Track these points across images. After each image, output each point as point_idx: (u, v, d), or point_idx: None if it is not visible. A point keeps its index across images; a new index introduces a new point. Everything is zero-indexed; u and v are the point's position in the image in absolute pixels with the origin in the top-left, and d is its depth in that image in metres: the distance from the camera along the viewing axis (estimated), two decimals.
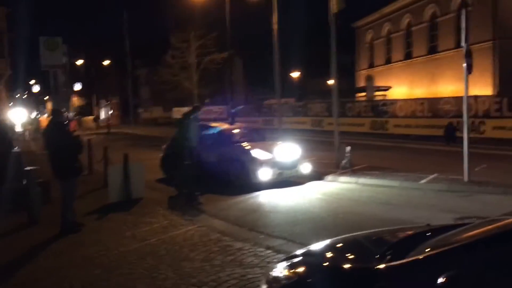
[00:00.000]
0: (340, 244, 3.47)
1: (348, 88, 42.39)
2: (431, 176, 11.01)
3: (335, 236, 6.56)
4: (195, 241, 6.36)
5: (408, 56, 35.81)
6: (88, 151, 13.05)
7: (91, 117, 47.52)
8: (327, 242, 3.45)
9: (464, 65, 10.37)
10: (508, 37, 25.78)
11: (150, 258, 5.75)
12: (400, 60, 36.58)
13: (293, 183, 10.98)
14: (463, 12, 10.45)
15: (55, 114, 7.48)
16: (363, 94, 32.03)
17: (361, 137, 23.89)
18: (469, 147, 10.61)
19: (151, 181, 11.63)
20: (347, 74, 47.12)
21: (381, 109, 25.28)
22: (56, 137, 6.94)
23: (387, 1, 37.81)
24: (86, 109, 68.31)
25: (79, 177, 7.50)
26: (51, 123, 7.28)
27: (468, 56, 10.32)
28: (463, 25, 10.50)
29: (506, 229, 2.57)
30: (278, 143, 11.71)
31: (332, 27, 13.45)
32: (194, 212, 8.26)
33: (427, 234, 3.05)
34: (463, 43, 10.40)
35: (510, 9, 25.71)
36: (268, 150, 10.87)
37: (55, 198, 8.46)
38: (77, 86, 59.36)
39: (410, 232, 3.44)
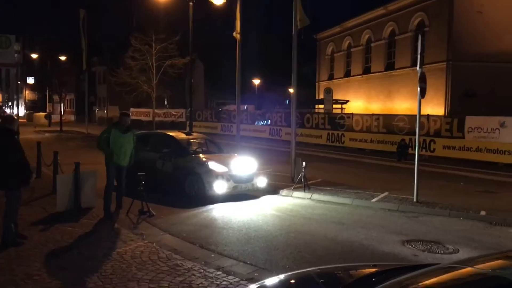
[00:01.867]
0: (293, 281, 3.48)
1: (308, 98, 43.13)
2: (382, 195, 11.31)
3: (286, 257, 6.62)
4: (144, 259, 6.21)
5: (366, 71, 36.72)
6: (37, 154, 12.54)
7: (42, 114, 45.88)
8: (281, 277, 3.46)
9: (418, 89, 10.73)
10: (461, 59, 26.91)
11: (95, 277, 5.56)
12: (359, 74, 37.46)
13: (248, 197, 10.99)
14: (420, 38, 10.80)
15: (6, 120, 7.04)
16: (322, 106, 32.55)
17: (318, 148, 24.28)
18: (419, 165, 11.00)
19: (103, 189, 11.28)
20: (308, 84, 47.93)
21: (338, 122, 25.76)
22: (3, 146, 6.56)
23: (349, 15, 38.77)
24: (38, 104, 66.01)
25: (27, 186, 7.18)
26: None
27: (422, 81, 10.69)
28: (419, 50, 10.88)
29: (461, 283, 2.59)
30: (234, 155, 11.69)
31: (294, 42, 13.63)
32: (145, 226, 8.08)
33: (378, 276, 3.08)
34: (418, 68, 10.76)
35: (464, 32, 26.85)
36: (225, 162, 10.82)
37: None
38: (30, 80, 57.21)
39: (361, 272, 3.48)
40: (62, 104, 39.77)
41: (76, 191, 8.92)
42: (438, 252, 7.10)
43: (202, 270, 5.86)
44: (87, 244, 6.83)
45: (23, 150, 6.78)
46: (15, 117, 7.32)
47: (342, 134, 25.09)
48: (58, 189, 8.94)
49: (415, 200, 10.56)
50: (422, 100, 11.05)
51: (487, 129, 18.50)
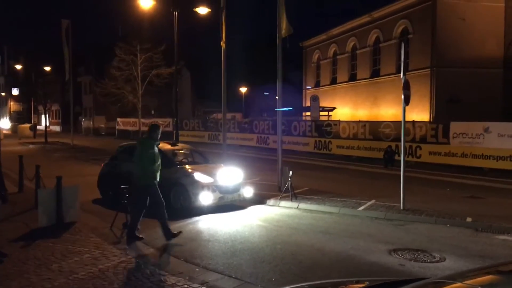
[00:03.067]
0: None
1: (295, 105, 43.21)
2: (369, 203, 11.29)
3: (272, 270, 6.53)
4: (127, 275, 6.08)
5: (352, 78, 36.95)
6: (19, 168, 12.32)
7: (27, 125, 45.25)
8: None
9: (402, 96, 10.76)
10: (445, 65, 27.21)
11: None
12: (345, 81, 37.68)
13: (235, 208, 10.89)
14: (402, 46, 10.87)
15: None
16: (309, 113, 32.62)
17: (306, 156, 24.28)
18: (406, 171, 11.01)
19: (87, 202, 11.16)
20: (295, 91, 48.08)
21: (325, 130, 25.80)
22: None
23: (334, 23, 39.10)
24: (24, 115, 65.26)
25: (5, 203, 7.01)
26: None
27: (406, 88, 10.72)
28: (402, 57, 10.94)
29: None
30: (220, 165, 11.60)
31: (279, 50, 13.63)
32: (129, 240, 7.93)
33: None
34: (401, 76, 10.80)
35: (447, 39, 27.18)
36: (210, 173, 10.72)
37: None
38: (15, 91, 56.63)
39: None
40: (47, 115, 39.31)
41: (58, 206, 8.75)
42: (424, 261, 7.07)
43: (186, 286, 5.75)
44: (68, 261, 6.67)
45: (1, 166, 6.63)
46: None
47: (329, 142, 25.12)
48: (40, 203, 8.76)
49: (401, 207, 10.55)
50: (408, 106, 11.10)
51: (471, 135, 18.66)
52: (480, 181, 15.64)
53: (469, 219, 9.64)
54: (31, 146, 32.35)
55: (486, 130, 18.22)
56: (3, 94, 73.88)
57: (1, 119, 72.34)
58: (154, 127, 8.29)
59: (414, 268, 6.74)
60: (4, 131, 42.09)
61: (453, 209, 10.63)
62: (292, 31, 13.33)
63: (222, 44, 16.30)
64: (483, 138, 18.27)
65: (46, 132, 36.27)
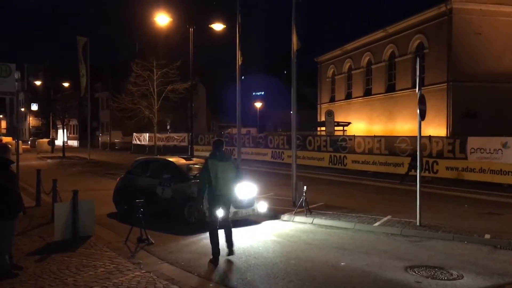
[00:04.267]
0: None
1: (310, 120, 43.19)
2: (385, 218, 11.15)
3: (286, 286, 6.46)
4: None
5: (367, 92, 36.83)
6: (37, 182, 12.50)
7: (46, 140, 45.95)
8: None
9: (418, 111, 10.68)
10: (461, 80, 26.96)
11: None
12: (360, 96, 37.56)
13: (249, 223, 10.85)
14: (418, 61, 10.83)
15: (1, 149, 6.96)
16: (324, 128, 32.53)
17: (321, 171, 24.15)
18: (422, 187, 10.85)
19: (102, 216, 11.25)
20: (310, 106, 48.05)
21: (340, 144, 25.69)
22: None
23: (349, 38, 39.09)
24: (43, 130, 66.36)
25: (18, 215, 7.07)
26: None
27: (422, 103, 10.65)
28: (418, 72, 10.89)
29: None
30: None
31: (293, 64, 13.70)
32: (143, 254, 7.95)
33: None
34: (417, 90, 10.74)
35: (463, 54, 26.99)
36: None
37: None
38: (34, 107, 57.77)
39: None
40: (65, 130, 39.92)
41: (74, 220, 8.83)
42: (442, 279, 6.94)
43: None
44: (83, 275, 6.70)
45: (16, 179, 6.72)
46: (9, 146, 7.22)
47: (344, 157, 24.99)
48: (56, 217, 8.84)
49: (418, 223, 10.39)
50: (424, 121, 11.00)
51: (489, 150, 18.38)
52: (499, 197, 15.35)
53: (487, 236, 9.44)
54: (49, 160, 32.82)
55: (505, 145, 17.94)
56: (22, 109, 75.42)
57: (21, 134, 73.66)
58: (218, 144, 8.12)
59: (431, 285, 6.62)
60: (23, 146, 42.76)
61: (471, 226, 10.43)
62: (300, 46, 13.38)
63: (238, 59, 16.48)
64: (502, 154, 17.98)
65: (64, 147, 36.79)
